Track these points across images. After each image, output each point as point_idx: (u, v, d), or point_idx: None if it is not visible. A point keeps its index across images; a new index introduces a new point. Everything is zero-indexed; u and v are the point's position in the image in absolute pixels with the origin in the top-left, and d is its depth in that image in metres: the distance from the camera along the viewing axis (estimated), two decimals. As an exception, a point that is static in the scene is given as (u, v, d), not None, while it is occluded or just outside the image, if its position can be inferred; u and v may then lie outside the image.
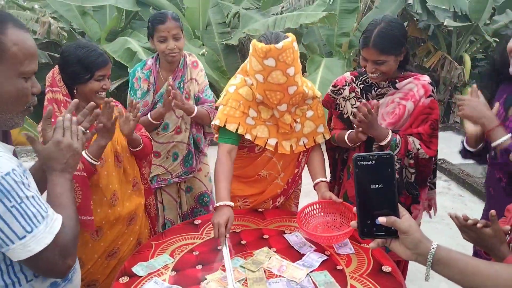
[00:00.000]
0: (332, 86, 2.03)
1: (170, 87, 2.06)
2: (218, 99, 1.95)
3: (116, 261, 1.78)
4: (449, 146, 4.37)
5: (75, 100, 1.22)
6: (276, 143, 1.87)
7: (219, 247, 1.66)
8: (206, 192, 2.52)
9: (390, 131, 1.77)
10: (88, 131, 1.26)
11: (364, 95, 1.91)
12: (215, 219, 1.61)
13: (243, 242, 1.72)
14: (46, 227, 0.95)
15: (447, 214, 1.28)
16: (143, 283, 1.46)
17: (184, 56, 2.29)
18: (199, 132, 2.41)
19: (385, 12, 5.97)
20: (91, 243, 1.72)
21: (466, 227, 1.23)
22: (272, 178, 1.97)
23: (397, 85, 1.84)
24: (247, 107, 1.82)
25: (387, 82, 1.85)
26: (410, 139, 1.80)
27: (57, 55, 6.43)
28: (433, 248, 0.87)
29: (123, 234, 1.80)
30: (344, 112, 1.98)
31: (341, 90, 1.99)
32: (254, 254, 1.61)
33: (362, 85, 1.92)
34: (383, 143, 1.77)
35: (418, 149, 1.78)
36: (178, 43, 2.15)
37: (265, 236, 1.75)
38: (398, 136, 1.78)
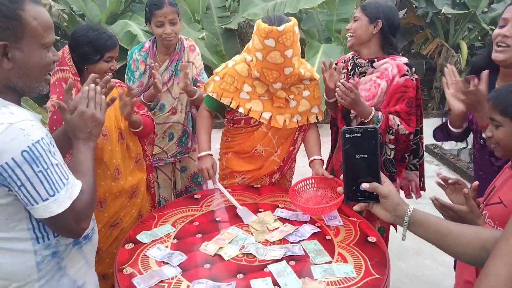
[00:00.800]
0: (334, 63, 2.11)
1: (153, 69, 2.12)
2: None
3: (119, 231, 1.90)
4: (441, 132, 4.48)
5: (93, 74, 1.32)
6: (270, 116, 1.99)
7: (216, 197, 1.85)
8: None
9: (373, 109, 1.89)
10: None
11: (352, 73, 2.05)
12: (201, 165, 1.96)
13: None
14: (66, 193, 1.05)
15: (430, 198, 1.41)
16: (147, 249, 1.58)
17: (180, 39, 2.39)
18: (195, 113, 2.51)
19: (384, -2, 6.01)
20: (95, 213, 1.83)
21: (444, 207, 1.35)
22: (268, 154, 2.09)
23: (374, 64, 1.96)
24: (242, 82, 1.98)
25: (367, 61, 1.98)
26: (391, 116, 1.91)
27: (58, 37, 6.47)
28: (409, 211, 0.99)
29: (125, 206, 1.91)
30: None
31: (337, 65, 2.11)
32: (259, 216, 1.78)
33: (352, 64, 2.06)
34: (366, 120, 1.88)
35: (398, 125, 1.90)
36: (175, 28, 2.24)
37: (260, 210, 1.87)
38: (380, 113, 1.90)
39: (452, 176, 1.52)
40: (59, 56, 1.15)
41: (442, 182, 1.46)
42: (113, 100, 1.43)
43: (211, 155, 2.04)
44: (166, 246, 1.59)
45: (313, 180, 1.94)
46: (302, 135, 2.14)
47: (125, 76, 2.41)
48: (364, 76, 2.00)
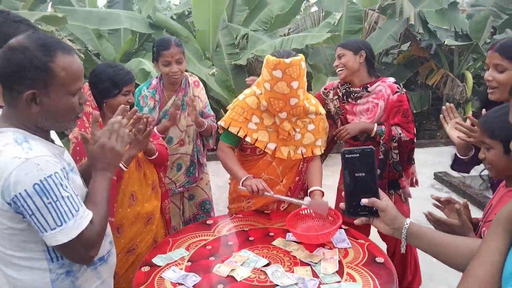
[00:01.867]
0: (324, 89, 2.53)
1: (177, 102, 2.28)
2: (224, 115, 2.19)
3: (134, 257, 1.97)
4: (450, 159, 4.52)
5: (123, 106, 1.42)
6: (275, 148, 2.08)
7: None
8: (207, 199, 2.71)
9: (376, 124, 2.27)
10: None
11: (346, 98, 2.39)
12: (248, 183, 1.94)
13: (251, 238, 1.90)
14: (75, 223, 1.12)
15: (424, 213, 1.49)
16: (163, 271, 1.64)
17: (185, 76, 2.54)
18: (200, 144, 2.62)
19: (388, 32, 6.22)
20: (114, 240, 1.91)
21: (438, 221, 1.42)
22: (273, 183, 2.16)
23: (369, 89, 2.31)
24: (251, 114, 2.09)
25: (361, 88, 2.33)
26: (393, 127, 2.28)
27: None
28: (406, 224, 1.06)
29: (141, 233, 1.99)
30: (331, 110, 2.45)
31: (328, 93, 2.48)
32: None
33: (344, 91, 2.40)
34: (372, 134, 2.27)
35: (400, 134, 2.27)
36: (181, 66, 2.40)
37: (271, 234, 1.93)
38: (383, 126, 2.27)
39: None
40: (85, 98, 1.23)
41: (437, 203, 1.55)
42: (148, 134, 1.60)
43: (252, 176, 2.03)
44: (181, 269, 1.66)
45: (306, 211, 1.99)
46: (305, 165, 2.22)
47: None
48: (360, 99, 2.34)
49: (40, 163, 1.08)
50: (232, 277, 1.59)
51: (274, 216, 2.14)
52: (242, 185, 1.98)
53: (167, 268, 1.66)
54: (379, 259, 1.69)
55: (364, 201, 1.09)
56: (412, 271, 2.56)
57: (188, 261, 1.72)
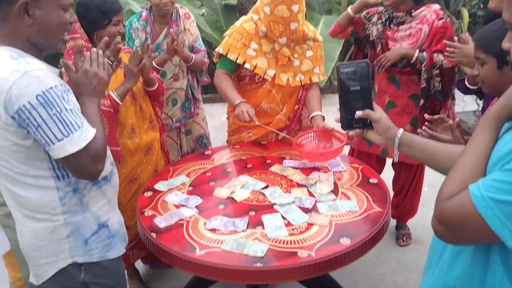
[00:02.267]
0: (366, 13, 2.43)
1: (174, 35, 2.25)
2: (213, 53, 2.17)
3: (137, 186, 2.03)
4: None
5: (106, 38, 1.44)
6: (274, 74, 2.09)
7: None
8: (204, 134, 2.74)
9: (417, 50, 2.21)
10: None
11: (388, 23, 2.32)
12: (238, 110, 1.97)
13: (249, 165, 1.96)
14: (81, 134, 1.14)
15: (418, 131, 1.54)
16: (165, 196, 1.71)
17: (176, 8, 2.47)
18: (193, 78, 2.61)
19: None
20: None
21: (432, 137, 1.48)
22: (273, 111, 2.19)
23: (413, 14, 2.25)
24: (249, 39, 2.07)
25: (404, 12, 2.26)
26: (434, 54, 2.20)
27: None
28: (399, 133, 1.10)
29: (141, 163, 2.04)
30: (372, 35, 2.36)
31: (371, 17, 2.39)
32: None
33: (387, 15, 2.33)
34: (412, 60, 2.21)
35: (442, 61, 2.19)
36: None
37: (268, 161, 2.00)
38: (424, 53, 2.22)
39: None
40: (75, 17, 1.25)
41: (429, 127, 1.58)
42: (119, 61, 1.56)
43: (246, 101, 2.04)
44: (183, 193, 1.73)
45: (313, 133, 2.04)
46: (304, 94, 2.24)
47: (125, 45, 2.50)
48: (402, 25, 2.29)
49: (40, 75, 1.09)
50: (232, 198, 1.66)
51: (271, 146, 2.19)
52: (235, 113, 2.01)
53: (170, 193, 1.73)
54: (373, 180, 1.77)
55: (358, 113, 1.12)
56: (413, 204, 2.68)
57: (189, 186, 1.79)
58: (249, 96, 2.17)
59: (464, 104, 4.05)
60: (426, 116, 1.60)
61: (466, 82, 1.97)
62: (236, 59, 2.07)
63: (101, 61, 1.32)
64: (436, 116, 1.57)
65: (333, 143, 1.97)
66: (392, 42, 2.32)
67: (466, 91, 2.03)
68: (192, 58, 2.41)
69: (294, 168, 1.90)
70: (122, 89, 1.84)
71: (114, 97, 1.81)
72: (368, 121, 1.14)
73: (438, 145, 1.10)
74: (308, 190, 1.70)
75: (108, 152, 1.37)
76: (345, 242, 1.37)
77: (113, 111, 1.83)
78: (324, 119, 2.11)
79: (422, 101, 2.29)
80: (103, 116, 1.71)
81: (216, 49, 2.14)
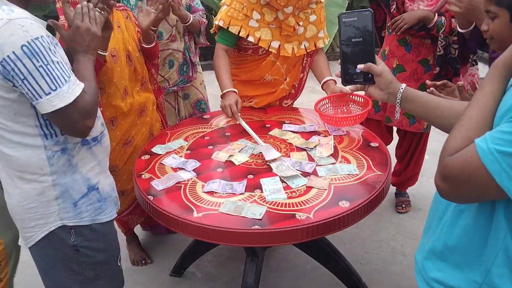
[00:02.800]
0: None
1: None
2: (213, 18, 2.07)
3: (132, 148, 2.00)
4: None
5: None
6: (279, 45, 2.00)
7: (231, 122, 1.93)
8: (202, 99, 2.68)
9: (436, 14, 2.11)
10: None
11: None
12: (224, 102, 1.88)
13: (248, 130, 1.93)
14: (69, 88, 1.10)
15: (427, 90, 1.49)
16: (163, 159, 1.69)
17: None
18: (190, 41, 2.53)
19: None
20: (108, 132, 1.94)
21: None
22: (277, 83, 2.12)
23: None
24: (251, 9, 1.94)
25: None
26: (453, 19, 2.09)
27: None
28: (401, 88, 1.06)
29: (135, 125, 2.00)
30: None
31: None
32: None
33: None
34: (430, 25, 2.11)
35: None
36: None
37: (268, 125, 1.96)
38: (443, 17, 2.12)
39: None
40: None
41: (434, 90, 1.52)
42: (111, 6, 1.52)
43: (235, 91, 1.96)
44: (181, 156, 1.70)
45: (327, 100, 1.94)
46: (309, 60, 2.17)
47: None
48: None
49: (25, 24, 1.04)
50: (231, 162, 1.64)
51: (270, 110, 2.15)
52: (220, 104, 1.96)
53: (167, 156, 1.70)
54: (374, 144, 1.74)
55: (360, 66, 1.08)
56: (415, 171, 2.66)
57: (187, 149, 1.76)
58: (251, 68, 2.10)
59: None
60: (428, 82, 1.54)
61: (458, 28, 1.90)
62: (238, 32, 1.94)
63: (92, 15, 1.26)
64: (439, 82, 1.51)
65: (351, 108, 1.90)
66: (409, 1, 2.19)
67: (472, 46, 1.95)
68: (189, 17, 2.33)
69: (293, 132, 1.87)
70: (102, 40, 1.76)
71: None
72: (370, 75, 1.09)
73: (441, 100, 1.05)
74: (307, 154, 1.68)
75: (99, 112, 1.33)
76: (344, 205, 1.35)
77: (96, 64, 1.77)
78: (336, 83, 2.03)
79: (437, 69, 2.21)
80: None
81: (215, 22, 2.01)
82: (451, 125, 1.00)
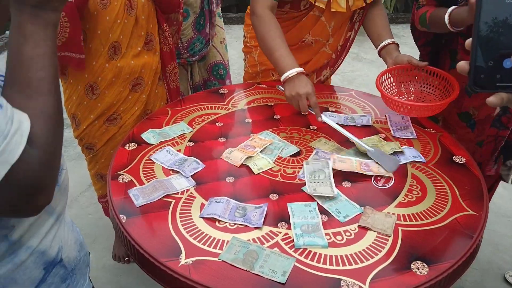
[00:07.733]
0: None
1: None
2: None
3: (117, 129, 1.54)
4: None
5: None
6: None
7: (246, 120, 1.37)
8: (221, 62, 2.11)
9: None
10: None
11: None
12: (296, 89, 1.26)
13: (277, 117, 1.40)
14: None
15: None
16: (153, 152, 1.20)
17: None
18: None
19: None
20: (86, 101, 1.48)
21: None
22: (319, 45, 1.58)
23: None
24: None
25: None
26: None
27: None
28: None
29: (124, 99, 1.51)
30: None
31: None
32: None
33: None
34: None
35: None
36: None
37: (304, 113, 1.42)
38: None
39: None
40: None
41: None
42: None
43: (305, 73, 1.32)
44: (179, 150, 1.21)
45: (388, 74, 1.40)
46: (362, 14, 1.58)
47: None
48: None
49: None
50: (248, 167, 1.13)
51: (310, 89, 1.60)
52: (286, 93, 1.31)
53: (161, 148, 1.21)
54: (459, 159, 1.19)
55: None
56: None
57: (189, 140, 1.26)
58: (288, 26, 1.54)
59: None
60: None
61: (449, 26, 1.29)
62: None
63: None
64: None
65: (421, 88, 1.37)
66: None
67: None
68: None
69: (339, 125, 1.32)
70: None
71: None
72: None
73: None
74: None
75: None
76: (421, 270, 0.84)
77: (75, 2, 1.26)
78: (398, 48, 1.46)
79: None
80: (62, 14, 1.17)
81: None
82: None
